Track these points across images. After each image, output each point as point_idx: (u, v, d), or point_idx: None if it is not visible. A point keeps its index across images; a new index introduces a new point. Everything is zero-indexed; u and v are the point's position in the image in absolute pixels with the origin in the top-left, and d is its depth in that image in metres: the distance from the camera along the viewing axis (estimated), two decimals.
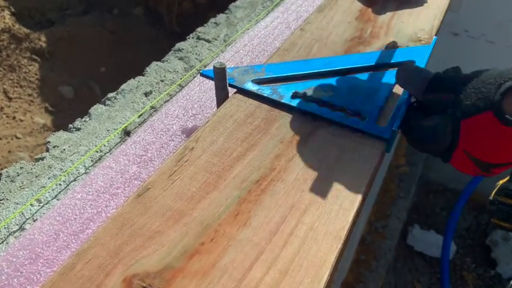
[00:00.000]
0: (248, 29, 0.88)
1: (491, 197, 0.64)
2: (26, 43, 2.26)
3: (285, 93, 0.61)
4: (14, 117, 2.04)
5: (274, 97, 0.60)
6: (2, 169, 1.86)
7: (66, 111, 2.19)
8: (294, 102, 0.60)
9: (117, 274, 0.40)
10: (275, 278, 0.41)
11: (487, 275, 2.05)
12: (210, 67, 0.77)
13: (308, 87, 0.63)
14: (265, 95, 0.61)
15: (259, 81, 0.63)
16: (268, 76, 0.64)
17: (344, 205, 0.48)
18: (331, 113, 0.58)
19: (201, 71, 0.66)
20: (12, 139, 1.95)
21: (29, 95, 2.14)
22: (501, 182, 0.63)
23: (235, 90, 0.63)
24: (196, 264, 0.41)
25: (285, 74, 0.64)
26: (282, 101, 0.60)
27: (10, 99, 2.09)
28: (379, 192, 1.88)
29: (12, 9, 2.37)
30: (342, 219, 0.46)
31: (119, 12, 2.72)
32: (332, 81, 0.64)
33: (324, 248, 0.43)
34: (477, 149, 0.49)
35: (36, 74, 2.22)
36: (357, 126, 0.56)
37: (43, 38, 2.34)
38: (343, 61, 0.68)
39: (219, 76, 0.60)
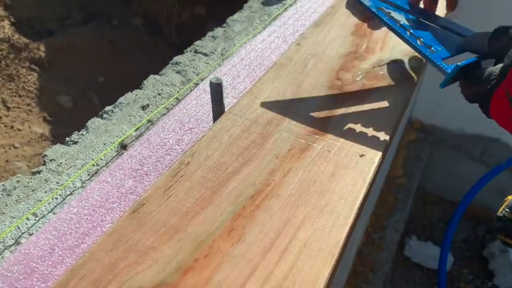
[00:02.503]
0: (245, 43, 0.89)
1: (499, 213, 0.64)
2: (25, 53, 2.27)
3: (373, 3, 0.67)
4: (12, 127, 2.04)
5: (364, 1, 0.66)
6: None
7: (64, 121, 2.19)
8: (378, 12, 0.66)
9: None
10: None
11: (484, 286, 2.04)
12: (207, 81, 0.78)
13: (394, 11, 0.68)
14: None
15: None
16: None
17: (338, 221, 0.48)
18: (407, 35, 0.64)
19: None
20: (10, 148, 1.95)
21: (28, 105, 2.15)
22: (510, 197, 0.63)
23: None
24: (190, 281, 0.42)
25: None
26: (368, 5, 0.66)
27: (8, 108, 2.09)
28: (376, 203, 1.88)
29: (12, 19, 2.39)
30: (337, 235, 0.47)
31: (119, 22, 2.74)
32: (414, 18, 0.70)
33: (317, 264, 0.44)
34: None
35: (35, 84, 2.23)
36: (426, 53, 0.62)
37: (42, 48, 2.35)
38: (424, 14, 0.73)
39: (216, 91, 0.61)
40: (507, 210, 0.62)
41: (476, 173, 1.89)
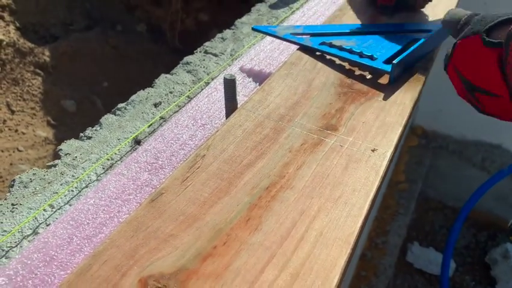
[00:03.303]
0: (254, 44, 0.91)
1: None
2: (30, 57, 2.29)
3: (314, 42, 0.77)
4: (16, 130, 2.05)
5: (306, 43, 0.77)
6: (3, 181, 1.86)
7: (68, 125, 2.20)
8: (320, 47, 0.76)
9: (133, 275, 0.41)
10: (287, 280, 0.42)
11: None
12: (218, 79, 0.79)
13: (335, 40, 0.77)
14: (298, 41, 0.78)
15: (296, 34, 0.80)
16: (304, 32, 0.81)
17: (352, 212, 0.49)
18: (349, 55, 0.73)
19: (253, 27, 0.83)
20: (14, 152, 1.96)
21: (32, 108, 2.16)
22: None
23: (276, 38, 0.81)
24: (210, 267, 0.42)
25: (317, 31, 0.81)
26: (311, 46, 0.76)
27: (13, 112, 2.10)
28: (379, 208, 1.89)
29: (17, 24, 2.41)
30: (351, 225, 0.47)
31: (123, 28, 2.76)
32: (355, 37, 0.79)
33: (334, 252, 0.44)
34: (462, 65, 0.58)
35: (39, 88, 2.24)
36: (367, 63, 0.70)
37: (47, 53, 2.37)
38: (368, 27, 0.84)
39: (229, 87, 0.62)
40: None
41: (477, 179, 1.90)
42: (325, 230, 0.47)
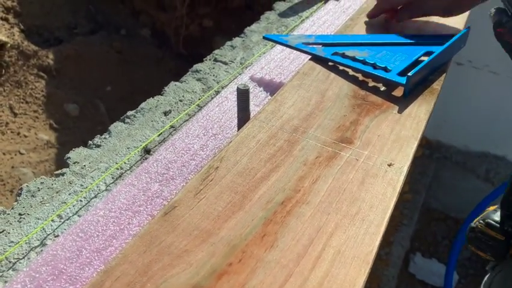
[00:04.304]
0: (264, 53, 0.90)
1: (473, 223, 0.63)
2: (33, 60, 2.28)
3: (327, 52, 0.76)
4: (18, 133, 2.04)
5: (318, 53, 0.76)
6: (4, 185, 1.85)
7: (70, 129, 2.19)
8: (333, 57, 0.74)
9: None
10: None
11: None
12: (228, 88, 0.78)
13: (347, 50, 0.76)
14: (310, 51, 0.77)
15: (307, 43, 0.79)
16: (316, 41, 0.79)
17: (370, 229, 0.48)
18: (362, 66, 0.72)
19: (264, 35, 0.83)
20: (15, 155, 1.95)
21: (35, 111, 2.15)
22: (490, 208, 0.62)
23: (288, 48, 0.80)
24: (225, 285, 0.41)
25: (330, 41, 0.80)
26: (324, 56, 0.75)
27: (15, 114, 2.09)
28: None
29: (22, 27, 2.40)
30: (369, 243, 0.46)
31: (127, 32, 2.76)
32: (369, 48, 0.78)
33: (352, 272, 0.43)
34: None
35: (42, 91, 2.23)
36: (381, 75, 0.69)
37: (51, 56, 2.36)
38: (382, 37, 0.82)
39: (242, 97, 0.61)
40: (481, 221, 0.61)
41: (481, 190, 1.89)
42: (343, 248, 0.45)
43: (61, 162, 0.63)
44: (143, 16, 2.91)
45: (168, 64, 2.69)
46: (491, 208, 0.61)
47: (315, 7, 1.08)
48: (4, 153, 1.94)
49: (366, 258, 0.45)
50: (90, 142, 0.67)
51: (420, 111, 0.67)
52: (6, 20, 2.34)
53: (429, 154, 2.22)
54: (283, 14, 1.09)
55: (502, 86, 1.86)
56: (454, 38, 0.76)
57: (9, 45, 2.20)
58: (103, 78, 2.42)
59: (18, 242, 0.51)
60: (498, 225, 0.56)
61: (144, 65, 2.58)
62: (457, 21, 0.90)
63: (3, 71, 2.16)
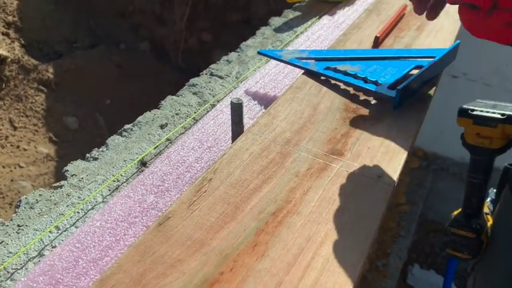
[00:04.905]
0: (259, 67, 0.92)
1: (446, 228, 0.65)
2: (33, 74, 2.31)
3: (319, 67, 0.79)
4: (18, 146, 2.05)
5: (311, 68, 0.78)
6: (3, 198, 1.86)
7: (70, 142, 2.21)
8: (325, 72, 0.77)
9: None
10: None
11: None
12: (223, 102, 0.80)
13: (339, 65, 0.78)
14: (303, 66, 0.79)
15: (301, 58, 0.82)
16: (309, 56, 0.82)
17: (359, 239, 0.49)
18: (353, 80, 0.74)
19: (258, 50, 0.86)
20: (15, 168, 1.96)
21: (34, 125, 2.17)
22: (455, 212, 0.65)
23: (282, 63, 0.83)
24: None
25: (322, 56, 0.83)
26: (316, 70, 0.77)
27: (15, 128, 2.11)
28: (379, 230, 1.88)
29: (22, 41, 2.44)
30: (358, 253, 0.47)
31: (126, 46, 2.79)
32: (360, 63, 0.80)
33: (341, 280, 0.44)
34: None
35: (42, 105, 2.25)
36: (372, 89, 0.71)
37: (51, 70, 2.39)
38: (373, 52, 0.85)
39: (236, 111, 0.63)
40: (452, 224, 0.64)
41: None
42: (332, 257, 0.47)
43: (60, 175, 0.64)
44: (142, 30, 2.95)
45: (167, 77, 2.72)
46: (457, 212, 0.65)
47: (309, 22, 1.11)
48: (4, 167, 1.96)
49: (354, 267, 0.46)
50: (88, 155, 0.68)
51: (409, 124, 0.68)
52: (7, 34, 2.38)
53: (426, 166, 2.24)
54: (279, 29, 1.11)
55: (496, 98, 1.89)
56: (443, 52, 0.78)
57: (9, 59, 2.23)
58: (103, 92, 2.44)
59: (17, 252, 0.52)
60: (467, 224, 0.59)
61: (143, 79, 2.61)
62: (447, 37, 0.93)
63: (4, 85, 2.18)
